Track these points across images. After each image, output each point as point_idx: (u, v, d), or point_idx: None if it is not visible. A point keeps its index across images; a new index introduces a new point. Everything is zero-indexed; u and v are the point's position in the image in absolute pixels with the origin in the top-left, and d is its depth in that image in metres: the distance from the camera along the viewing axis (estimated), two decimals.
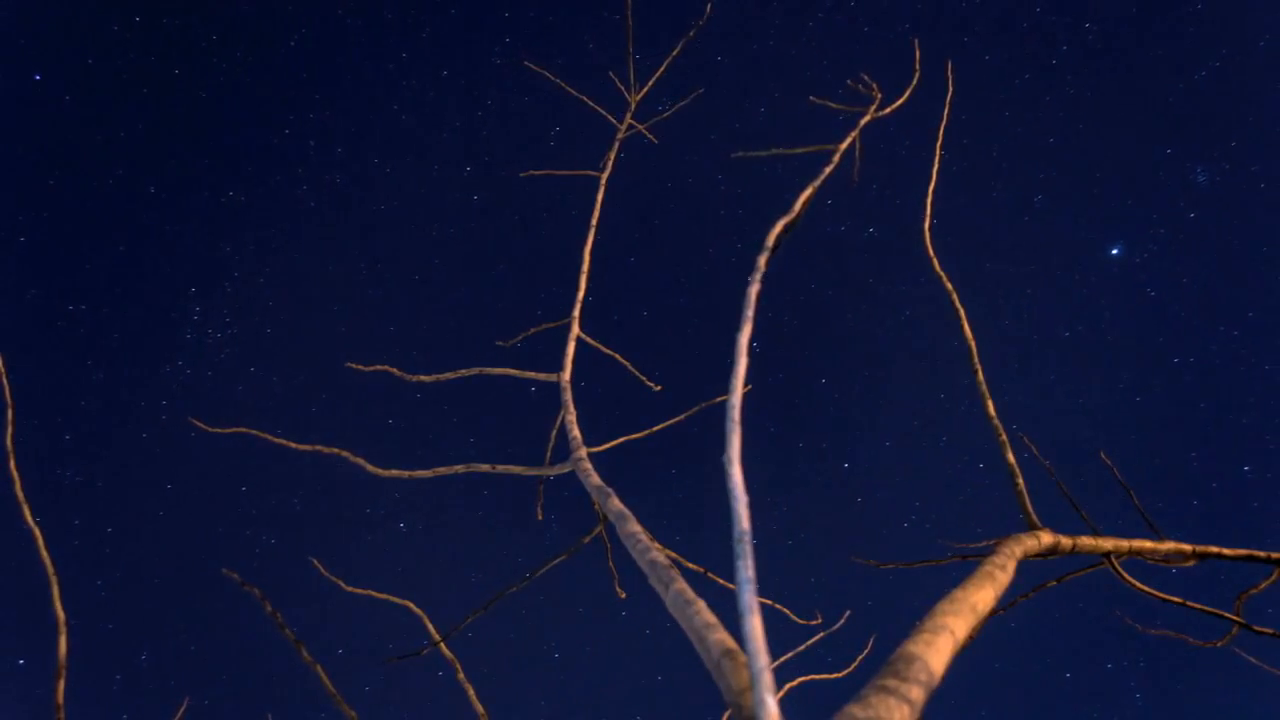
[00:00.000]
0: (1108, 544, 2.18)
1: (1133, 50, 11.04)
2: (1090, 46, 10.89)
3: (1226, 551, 2.45)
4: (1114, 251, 11.37)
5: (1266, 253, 10.95)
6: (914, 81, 2.86)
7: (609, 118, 3.51)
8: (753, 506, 0.89)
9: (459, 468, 2.65)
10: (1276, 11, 10.44)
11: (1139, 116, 11.07)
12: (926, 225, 2.70)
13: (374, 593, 3.03)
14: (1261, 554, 2.46)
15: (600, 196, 3.19)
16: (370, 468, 2.70)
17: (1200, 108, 10.79)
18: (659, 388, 3.24)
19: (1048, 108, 10.88)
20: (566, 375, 2.71)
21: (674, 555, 2.00)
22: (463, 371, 2.97)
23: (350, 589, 3.04)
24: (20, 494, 2.12)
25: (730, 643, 1.27)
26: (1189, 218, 11.04)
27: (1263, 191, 10.78)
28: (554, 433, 2.82)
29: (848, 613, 3.28)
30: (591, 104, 3.57)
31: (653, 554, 1.58)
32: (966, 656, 1.39)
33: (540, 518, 3.01)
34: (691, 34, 3.64)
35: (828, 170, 1.87)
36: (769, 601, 2.85)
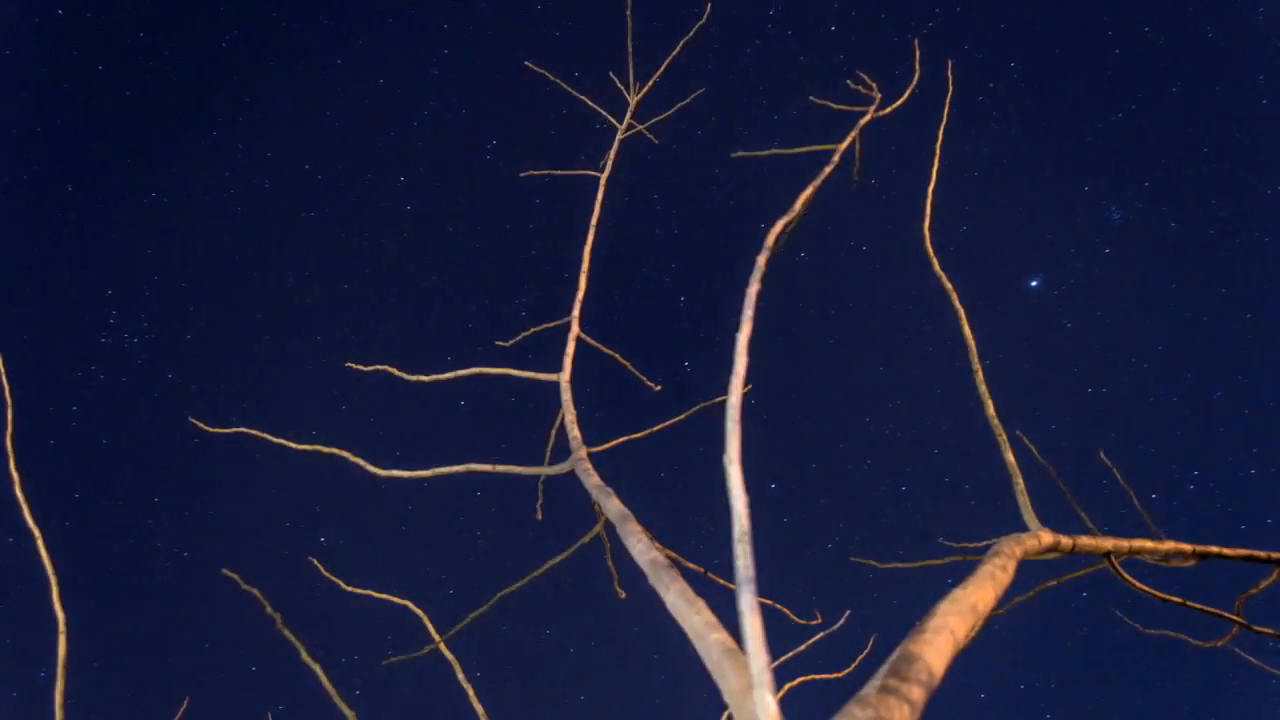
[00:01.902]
0: (1108, 544, 2.18)
1: (1054, 92, 11.60)
2: (1014, 86, 11.46)
3: (1226, 551, 2.45)
4: (1033, 283, 11.99)
5: (1175, 289, 11.62)
6: (914, 81, 2.86)
7: (609, 118, 3.51)
8: (752, 506, 0.89)
9: (459, 468, 2.65)
10: (1186, 60, 11.08)
11: (1059, 155, 11.69)
12: (926, 225, 2.70)
13: (374, 593, 3.03)
14: (1261, 554, 2.46)
15: (600, 196, 3.19)
16: (370, 468, 2.70)
17: (1116, 149, 11.44)
18: (659, 388, 3.24)
19: (973, 142, 11.40)
20: (566, 375, 2.71)
21: (674, 555, 2.00)
22: (463, 371, 2.97)
23: (350, 589, 3.04)
24: (20, 494, 2.12)
25: (730, 643, 1.27)
26: (1104, 253, 11.70)
27: (1173, 230, 11.50)
28: (554, 433, 2.82)
29: (848, 613, 3.28)
30: (591, 104, 3.57)
31: (653, 554, 1.58)
32: (966, 656, 1.39)
33: (540, 518, 3.01)
34: (691, 34, 3.64)
35: (828, 170, 1.87)
36: (769, 601, 2.85)
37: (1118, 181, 11.42)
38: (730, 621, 1.24)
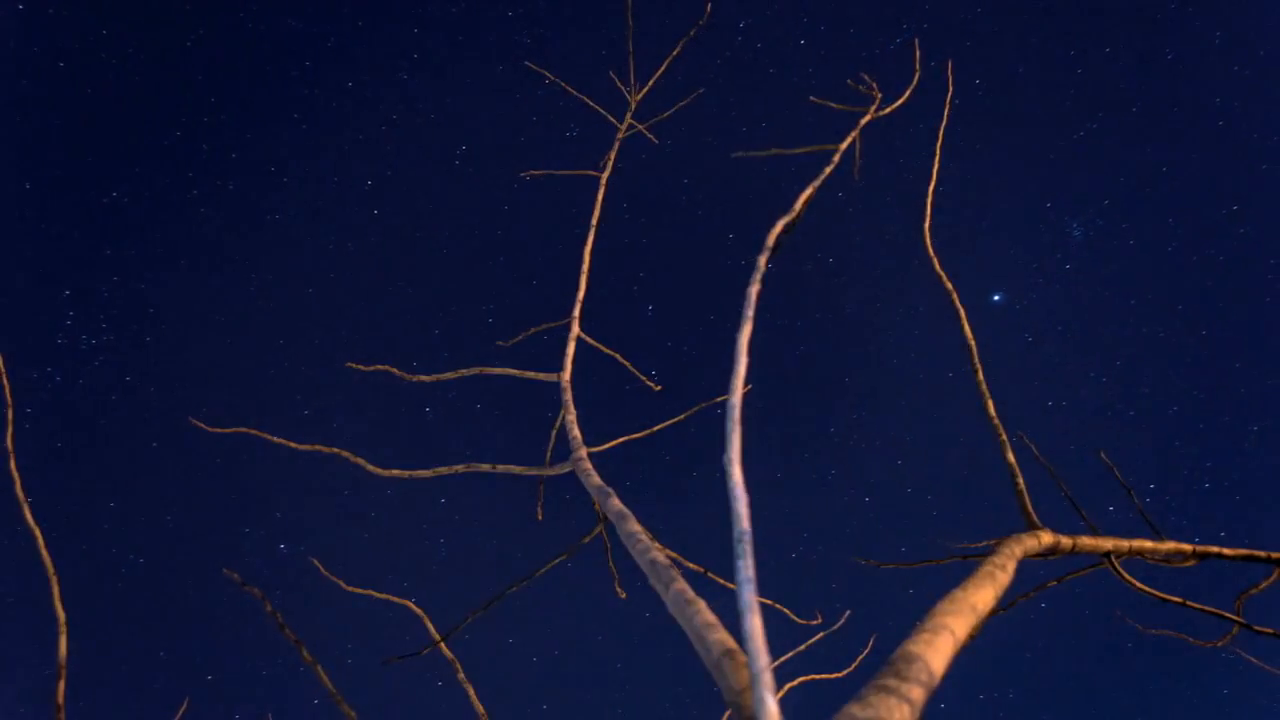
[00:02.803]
0: (1108, 544, 2.18)
1: (1017, 111, 11.94)
2: (978, 105, 11.71)
3: (1226, 551, 2.45)
4: (996, 298, 12.33)
5: (1134, 305, 12.03)
6: (914, 81, 2.86)
7: (609, 117, 3.51)
8: (753, 506, 0.89)
9: (459, 468, 2.65)
10: (1146, 79, 11.53)
11: (1022, 173, 12.07)
12: (926, 225, 2.70)
13: (374, 593, 3.03)
14: (1261, 554, 2.46)
15: (600, 196, 3.19)
16: (370, 468, 2.70)
17: (1077, 168, 11.85)
18: (659, 388, 3.24)
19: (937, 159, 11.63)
20: (566, 375, 2.70)
21: (674, 555, 2.00)
22: (463, 371, 2.97)
23: (350, 589, 3.04)
24: (20, 494, 2.12)
25: (730, 642, 1.27)
26: (1065, 269, 12.12)
27: (1131, 247, 11.95)
28: (554, 433, 2.82)
29: (848, 613, 3.28)
30: (591, 104, 3.57)
31: (653, 554, 1.58)
32: (966, 656, 1.39)
33: (540, 518, 3.01)
34: (691, 34, 3.64)
35: (828, 170, 1.87)
36: (769, 601, 2.85)
37: (1079, 199, 11.88)
38: (730, 621, 1.24)
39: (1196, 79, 11.30)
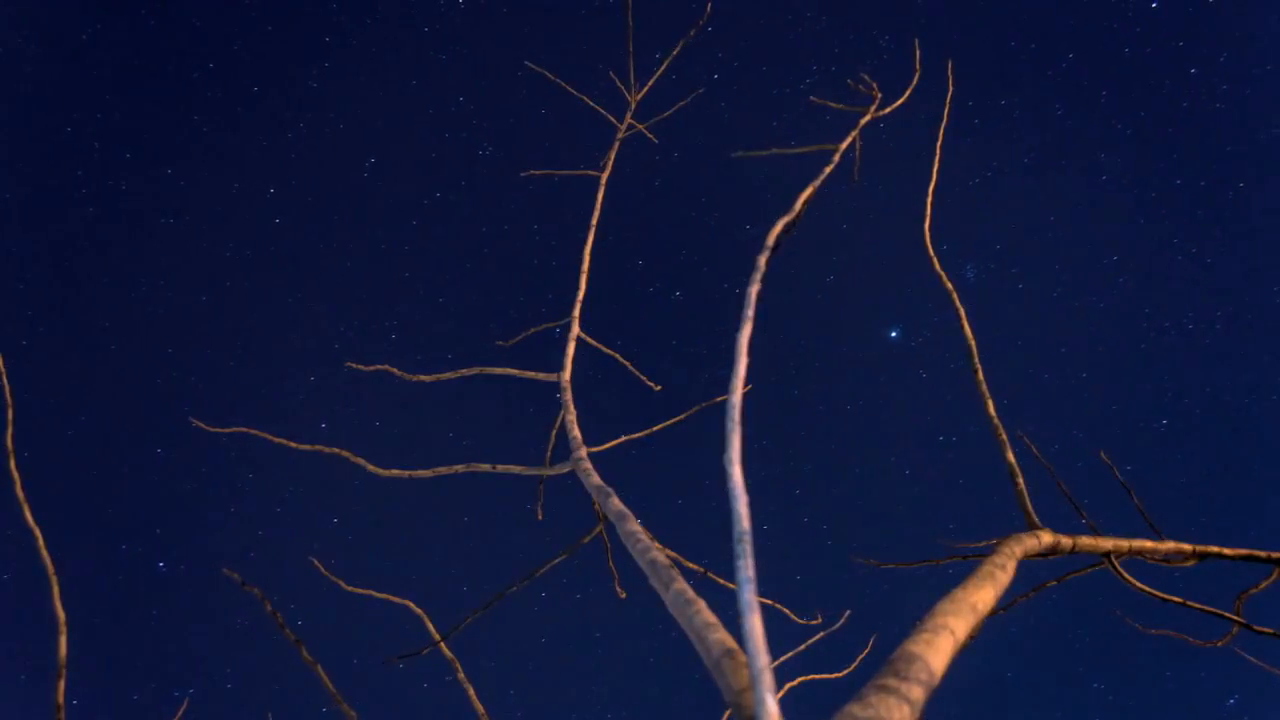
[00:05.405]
0: (1108, 544, 2.18)
1: (915, 158, 12.31)
2: (878, 149, 12.08)
3: (1226, 551, 2.45)
4: (893, 334, 12.88)
5: (1022, 345, 12.68)
6: (914, 81, 2.86)
7: (609, 117, 3.51)
8: (753, 506, 0.89)
9: (459, 468, 2.65)
10: (1038, 132, 12.23)
11: (918, 215, 12.42)
12: (926, 225, 2.71)
13: (374, 593, 3.03)
14: (1261, 554, 2.46)
15: (600, 196, 3.19)
16: (370, 468, 2.70)
17: (972, 212, 12.47)
18: (659, 388, 3.24)
19: (840, 198, 12.18)
20: (566, 375, 2.70)
21: (674, 555, 2.00)
22: (463, 371, 2.97)
23: (350, 589, 3.04)
24: (20, 494, 2.12)
25: (730, 642, 1.27)
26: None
27: (1021, 290, 12.64)
28: (554, 433, 2.82)
29: (848, 613, 3.28)
30: (591, 104, 3.57)
31: (653, 554, 1.58)
32: (966, 656, 1.39)
33: (540, 518, 3.01)
34: (692, 34, 3.64)
35: (828, 170, 1.87)
36: (769, 601, 2.85)
37: (973, 242, 12.47)
38: (730, 621, 1.24)
39: (1084, 132, 12.03)
